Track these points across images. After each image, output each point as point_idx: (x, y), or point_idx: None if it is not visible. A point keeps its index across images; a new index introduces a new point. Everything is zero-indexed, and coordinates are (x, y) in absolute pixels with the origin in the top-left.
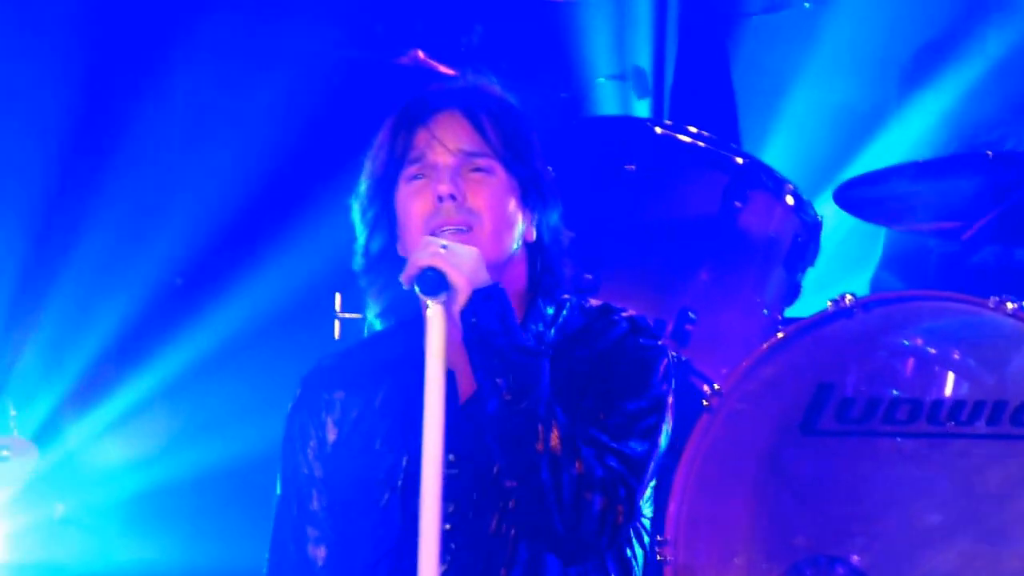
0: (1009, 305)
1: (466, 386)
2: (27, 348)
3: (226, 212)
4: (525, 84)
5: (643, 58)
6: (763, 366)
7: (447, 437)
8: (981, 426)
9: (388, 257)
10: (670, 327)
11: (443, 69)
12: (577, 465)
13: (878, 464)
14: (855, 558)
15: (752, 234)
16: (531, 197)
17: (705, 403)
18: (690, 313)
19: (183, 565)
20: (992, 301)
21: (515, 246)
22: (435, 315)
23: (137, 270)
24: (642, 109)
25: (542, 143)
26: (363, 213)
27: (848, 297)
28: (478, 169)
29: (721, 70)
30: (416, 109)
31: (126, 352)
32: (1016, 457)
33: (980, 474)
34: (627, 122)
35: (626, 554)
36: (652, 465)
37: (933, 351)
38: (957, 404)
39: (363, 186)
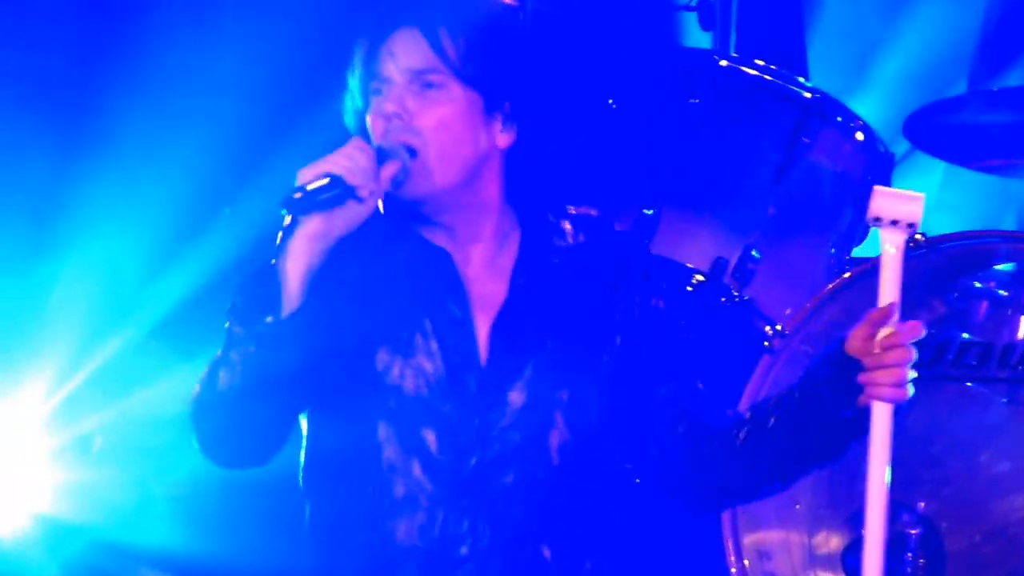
0: None
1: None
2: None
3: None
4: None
5: None
6: (828, 307)
7: None
8: None
9: None
10: (733, 264)
11: None
12: None
13: (946, 409)
14: (921, 504)
15: (820, 171)
16: (499, 107)
17: (766, 344)
18: (754, 251)
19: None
20: None
21: (473, 159)
22: None
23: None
24: (706, 42)
25: (524, 45)
26: (350, 122)
27: (918, 236)
28: (429, 85)
29: (790, 2)
30: (377, 24)
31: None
32: None
33: None
34: (691, 54)
35: None
36: None
37: (1005, 293)
38: None
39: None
